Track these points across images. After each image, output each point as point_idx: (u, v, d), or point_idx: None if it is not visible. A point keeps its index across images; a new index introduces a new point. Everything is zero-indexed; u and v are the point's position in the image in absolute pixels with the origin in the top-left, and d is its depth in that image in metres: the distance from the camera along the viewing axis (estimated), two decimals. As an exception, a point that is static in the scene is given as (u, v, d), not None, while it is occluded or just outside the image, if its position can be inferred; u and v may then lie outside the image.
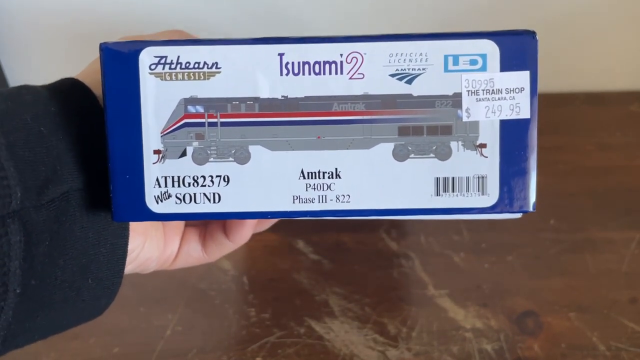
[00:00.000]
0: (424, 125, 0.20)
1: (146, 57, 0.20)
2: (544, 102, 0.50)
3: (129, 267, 0.25)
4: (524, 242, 0.38)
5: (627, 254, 0.37)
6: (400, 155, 0.20)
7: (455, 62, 0.20)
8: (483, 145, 0.20)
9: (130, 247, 0.23)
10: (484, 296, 0.35)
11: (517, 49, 0.20)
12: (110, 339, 0.34)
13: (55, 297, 0.20)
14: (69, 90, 0.22)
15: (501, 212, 0.21)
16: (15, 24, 0.47)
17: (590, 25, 0.48)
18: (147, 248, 0.24)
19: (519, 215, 0.22)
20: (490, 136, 0.20)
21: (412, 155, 0.20)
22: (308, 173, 0.20)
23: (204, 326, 0.34)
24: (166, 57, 0.20)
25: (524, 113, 0.20)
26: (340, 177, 0.20)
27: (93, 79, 0.23)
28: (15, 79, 0.52)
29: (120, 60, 0.20)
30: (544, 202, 0.40)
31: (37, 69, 0.50)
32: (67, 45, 0.49)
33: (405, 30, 0.21)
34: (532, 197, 0.21)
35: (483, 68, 0.20)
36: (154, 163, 0.20)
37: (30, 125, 0.20)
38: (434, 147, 0.20)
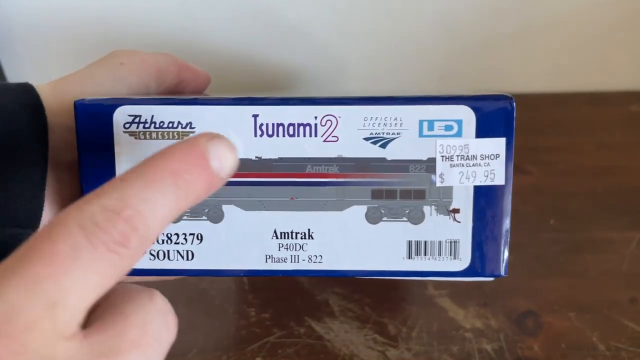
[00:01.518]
0: (397, 189, 0.20)
1: (120, 116, 0.20)
2: (544, 102, 0.50)
3: None
4: (524, 242, 0.38)
5: (627, 254, 0.37)
6: (373, 218, 0.20)
7: (431, 128, 0.20)
8: (456, 210, 0.20)
9: None
10: (484, 296, 0.35)
11: (494, 115, 0.20)
12: (110, 339, 0.34)
13: None
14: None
15: (473, 276, 0.21)
16: (15, 23, 0.47)
17: (590, 25, 0.48)
18: None
19: (490, 279, 0.22)
20: (464, 201, 0.20)
21: (384, 218, 0.20)
22: (281, 233, 0.20)
23: (204, 326, 0.34)
24: (140, 116, 0.20)
25: (499, 179, 0.20)
26: (313, 238, 0.21)
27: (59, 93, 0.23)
28: (14, 79, 0.52)
29: (94, 118, 0.20)
30: (544, 202, 0.40)
31: (37, 68, 0.50)
32: (66, 44, 0.49)
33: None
34: (504, 262, 0.21)
35: (458, 134, 0.20)
36: None
37: None
38: (407, 211, 0.20)
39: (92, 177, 0.20)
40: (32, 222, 0.21)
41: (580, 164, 0.43)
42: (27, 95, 0.22)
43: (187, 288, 0.36)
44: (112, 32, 0.49)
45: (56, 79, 0.24)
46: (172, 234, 0.21)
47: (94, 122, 0.20)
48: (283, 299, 0.36)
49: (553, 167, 0.43)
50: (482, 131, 0.20)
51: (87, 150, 0.20)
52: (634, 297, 0.35)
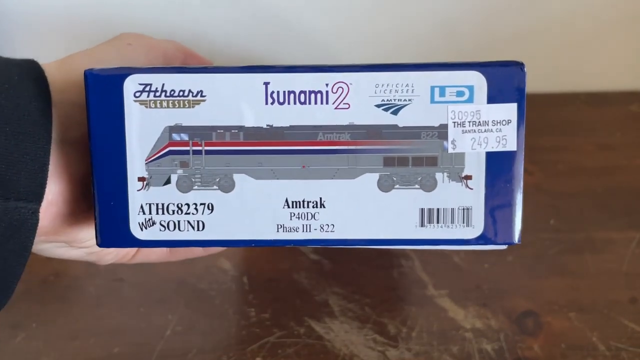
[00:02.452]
0: (409, 156, 0.20)
1: (131, 85, 0.20)
2: (544, 102, 0.50)
3: (85, 255, 0.25)
4: (524, 242, 0.38)
5: (627, 254, 0.37)
6: (385, 185, 0.20)
7: (442, 94, 0.20)
8: (468, 177, 0.20)
9: (86, 235, 0.23)
10: (484, 296, 0.35)
11: (505, 81, 0.20)
12: (110, 339, 0.34)
13: None
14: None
15: (485, 243, 0.21)
16: (14, 22, 0.47)
17: (590, 25, 0.48)
18: None
19: (504, 247, 0.22)
20: (476, 168, 0.20)
21: (397, 186, 0.20)
22: (292, 202, 0.20)
23: (204, 326, 0.34)
24: (151, 84, 0.20)
25: (511, 145, 0.20)
26: (324, 207, 0.20)
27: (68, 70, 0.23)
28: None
29: (104, 88, 0.20)
30: (544, 202, 0.40)
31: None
32: (67, 44, 0.49)
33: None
34: (517, 230, 0.21)
35: (470, 100, 0.20)
36: (138, 190, 0.20)
37: None
38: (419, 178, 0.20)
39: (102, 146, 0.20)
40: (35, 196, 0.21)
41: (580, 164, 0.43)
42: (31, 70, 0.22)
43: (187, 288, 0.36)
44: (112, 32, 0.49)
45: (64, 57, 0.24)
46: (183, 204, 0.20)
47: (104, 91, 0.20)
48: (283, 299, 0.36)
49: (553, 167, 0.43)
50: (494, 97, 0.20)
51: (98, 119, 0.20)
52: (634, 297, 0.35)
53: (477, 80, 0.20)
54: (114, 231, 0.21)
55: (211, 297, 0.36)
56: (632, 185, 0.41)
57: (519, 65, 0.19)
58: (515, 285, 0.36)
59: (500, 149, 0.20)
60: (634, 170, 0.42)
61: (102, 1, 0.48)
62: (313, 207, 0.20)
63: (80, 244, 0.24)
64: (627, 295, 0.35)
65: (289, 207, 0.20)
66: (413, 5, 0.47)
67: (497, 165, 0.20)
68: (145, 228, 0.21)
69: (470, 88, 0.20)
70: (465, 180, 0.20)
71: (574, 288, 0.36)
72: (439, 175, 0.20)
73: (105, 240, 0.21)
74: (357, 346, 0.33)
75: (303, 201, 0.20)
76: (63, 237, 0.23)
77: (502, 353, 0.32)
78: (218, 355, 0.33)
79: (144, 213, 0.20)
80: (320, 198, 0.20)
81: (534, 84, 0.52)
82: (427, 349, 0.33)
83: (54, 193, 0.22)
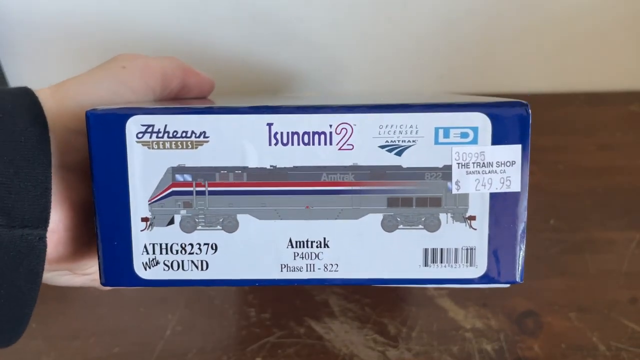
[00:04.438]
0: (413, 197, 0.20)
1: (133, 126, 0.20)
2: (544, 102, 0.50)
3: (88, 281, 0.25)
4: (524, 242, 0.38)
5: (627, 254, 0.37)
6: (389, 226, 0.20)
7: (446, 135, 0.20)
8: (472, 218, 0.20)
9: (89, 262, 0.23)
10: (484, 296, 0.35)
11: (509, 122, 0.19)
12: (110, 339, 0.34)
13: None
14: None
15: (488, 283, 0.21)
16: (15, 24, 0.47)
17: (590, 25, 0.48)
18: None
19: (507, 285, 0.22)
20: (480, 208, 0.20)
21: (400, 226, 0.20)
22: (296, 242, 0.20)
23: (204, 326, 0.34)
24: (153, 125, 0.20)
25: (515, 186, 0.20)
26: (328, 247, 0.20)
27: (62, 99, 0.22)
28: (16, 81, 0.52)
29: (106, 129, 0.20)
30: (544, 202, 0.40)
31: (37, 68, 0.50)
32: (66, 44, 0.49)
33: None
34: (520, 269, 0.21)
35: (474, 141, 0.20)
36: (141, 230, 0.20)
37: None
38: (423, 219, 0.20)
39: (105, 187, 0.20)
40: (40, 222, 0.20)
41: (580, 164, 0.43)
42: (25, 97, 0.22)
43: (187, 289, 0.36)
44: (112, 32, 0.49)
45: (57, 83, 0.24)
46: (186, 244, 0.20)
47: (106, 132, 0.20)
48: (283, 299, 0.36)
49: (553, 167, 0.43)
50: (498, 138, 0.19)
51: (100, 160, 0.20)
52: (634, 297, 0.35)
53: (482, 122, 0.19)
54: (117, 271, 0.21)
55: (211, 297, 0.36)
56: (632, 185, 0.41)
57: (524, 107, 0.19)
58: (515, 285, 0.36)
59: (504, 189, 0.20)
60: (634, 170, 0.42)
61: (101, 4, 0.48)
62: (317, 246, 0.20)
63: (83, 271, 0.24)
64: (627, 295, 0.35)
65: (292, 247, 0.20)
66: (413, 5, 0.47)
67: (501, 205, 0.20)
68: (149, 268, 0.21)
69: (475, 129, 0.19)
70: (469, 221, 0.20)
71: (574, 288, 0.36)
72: (442, 216, 0.20)
73: (109, 279, 0.21)
74: (357, 346, 0.33)
75: (307, 241, 0.20)
76: (66, 265, 0.23)
77: (502, 353, 0.32)
78: (218, 355, 0.33)
79: (147, 253, 0.20)
80: (324, 238, 0.20)
81: (534, 84, 0.52)
82: (427, 349, 0.33)
83: (55, 221, 0.21)
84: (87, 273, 0.24)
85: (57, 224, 0.21)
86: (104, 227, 0.20)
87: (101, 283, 0.21)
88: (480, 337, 0.33)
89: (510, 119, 0.19)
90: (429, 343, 0.33)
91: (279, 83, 0.50)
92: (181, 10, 0.48)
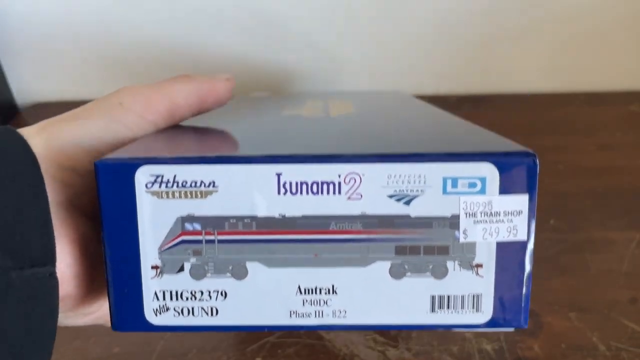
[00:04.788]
0: (421, 245, 0.20)
1: (142, 176, 0.20)
2: (544, 102, 0.50)
3: (93, 321, 0.24)
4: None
5: (627, 254, 0.38)
6: (396, 273, 0.20)
7: (454, 185, 0.20)
8: (479, 265, 0.20)
9: (93, 302, 0.23)
10: (484, 296, 0.35)
11: (517, 172, 0.20)
12: (110, 339, 0.34)
13: None
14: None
15: (494, 327, 0.21)
16: (15, 24, 0.47)
17: (590, 25, 0.48)
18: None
19: (511, 329, 0.22)
20: (487, 256, 0.20)
21: (408, 274, 0.20)
22: (305, 289, 0.21)
23: (204, 326, 0.34)
24: (162, 175, 0.20)
25: (521, 235, 0.20)
26: (336, 293, 0.21)
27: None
28: (16, 81, 0.52)
29: (116, 179, 0.20)
30: (544, 202, 0.40)
31: (37, 68, 0.50)
32: (66, 44, 0.49)
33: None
34: (525, 314, 0.21)
35: (482, 191, 0.20)
36: (151, 278, 0.20)
37: None
38: (431, 266, 0.20)
39: (115, 235, 0.20)
40: (48, 258, 0.20)
41: (580, 164, 0.43)
42: (9, 136, 0.21)
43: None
44: (112, 32, 0.49)
45: (45, 120, 0.24)
46: (196, 291, 0.21)
47: (115, 182, 0.20)
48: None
49: (553, 167, 0.43)
50: (506, 188, 0.19)
51: (109, 209, 0.20)
52: (634, 297, 0.35)
53: (490, 172, 0.19)
54: (128, 317, 0.21)
55: (211, 297, 0.36)
56: (632, 185, 0.41)
57: (532, 157, 0.19)
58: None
59: (510, 239, 0.20)
60: (634, 170, 0.42)
61: (101, 4, 0.48)
62: (325, 293, 0.20)
63: (88, 310, 0.24)
64: (627, 295, 0.35)
65: (301, 293, 0.20)
66: (413, 5, 0.48)
67: (507, 253, 0.20)
68: (160, 314, 0.21)
69: (483, 180, 0.19)
70: (475, 268, 0.20)
71: (574, 288, 0.36)
72: (450, 264, 0.20)
73: (119, 325, 0.21)
74: (357, 346, 0.33)
75: (315, 288, 0.20)
76: (69, 305, 0.23)
77: (502, 353, 0.32)
78: (218, 355, 0.33)
79: (157, 300, 0.21)
80: (333, 285, 0.20)
81: (533, 84, 0.52)
82: (427, 349, 0.33)
83: (65, 254, 0.21)
84: (89, 312, 0.24)
85: (59, 263, 0.21)
86: (114, 274, 0.20)
87: (112, 328, 0.21)
88: (480, 336, 0.33)
89: (518, 169, 0.20)
90: (428, 343, 0.33)
91: (279, 83, 0.50)
92: (182, 10, 0.48)
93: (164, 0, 0.48)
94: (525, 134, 0.49)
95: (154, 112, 0.24)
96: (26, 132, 0.22)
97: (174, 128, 0.26)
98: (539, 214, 0.38)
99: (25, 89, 0.52)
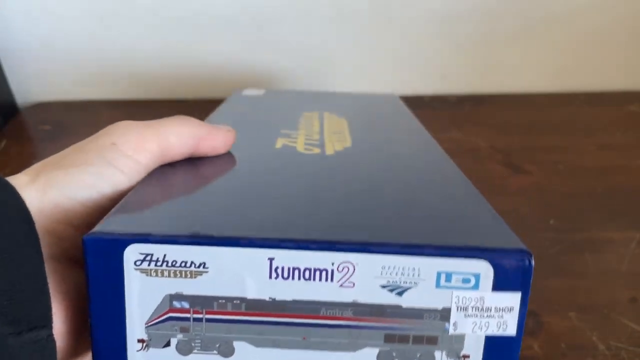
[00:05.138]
0: (410, 334, 0.20)
1: (131, 254, 0.20)
2: (544, 102, 0.50)
3: None
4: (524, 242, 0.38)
5: (627, 254, 0.37)
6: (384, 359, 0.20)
7: (448, 279, 0.20)
8: (466, 356, 0.20)
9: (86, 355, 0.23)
10: (484, 296, 0.35)
11: (512, 271, 0.19)
12: None
13: None
14: None
15: None
16: (15, 24, 0.47)
17: (590, 25, 0.48)
18: None
19: None
20: (474, 348, 0.20)
21: None
22: None
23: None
24: (152, 254, 0.20)
25: (510, 331, 0.20)
26: None
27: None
28: (16, 81, 0.52)
29: (104, 254, 0.20)
30: (544, 202, 0.40)
31: (37, 69, 0.50)
32: (67, 45, 0.49)
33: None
34: None
35: (475, 287, 0.20)
36: (137, 350, 0.21)
37: None
38: (419, 355, 0.20)
39: (102, 309, 0.20)
40: (44, 321, 0.20)
41: (580, 164, 0.43)
42: (2, 191, 0.21)
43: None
44: (111, 32, 0.49)
45: (38, 164, 0.23)
46: None
47: (103, 257, 0.20)
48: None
49: (553, 167, 0.43)
50: (499, 285, 0.19)
51: (97, 283, 0.20)
52: (634, 297, 0.35)
53: (484, 269, 0.19)
54: None
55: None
56: (632, 185, 0.41)
57: (527, 256, 0.19)
58: (515, 285, 0.36)
59: (499, 333, 0.20)
60: (634, 170, 0.42)
61: (101, 5, 0.48)
62: None
63: None
64: (627, 295, 0.35)
65: None
66: (413, 5, 0.47)
67: (495, 347, 0.20)
68: None
69: (477, 276, 0.19)
70: (463, 359, 0.20)
71: (574, 288, 0.36)
72: (437, 353, 0.20)
73: None
74: (357, 346, 0.33)
75: None
76: (63, 359, 0.22)
77: (502, 353, 0.32)
78: (218, 355, 0.33)
79: None
80: None
81: (534, 84, 0.52)
82: None
83: (58, 313, 0.21)
84: None
85: (55, 321, 0.21)
86: (99, 347, 0.21)
87: None
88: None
89: (513, 267, 0.19)
90: None
91: (278, 82, 0.50)
92: (180, 9, 0.48)
93: (163, 2, 0.48)
94: (525, 133, 0.49)
95: (145, 153, 0.24)
96: (19, 181, 0.22)
97: (166, 174, 0.25)
98: (539, 214, 0.38)
99: (25, 89, 0.52)
